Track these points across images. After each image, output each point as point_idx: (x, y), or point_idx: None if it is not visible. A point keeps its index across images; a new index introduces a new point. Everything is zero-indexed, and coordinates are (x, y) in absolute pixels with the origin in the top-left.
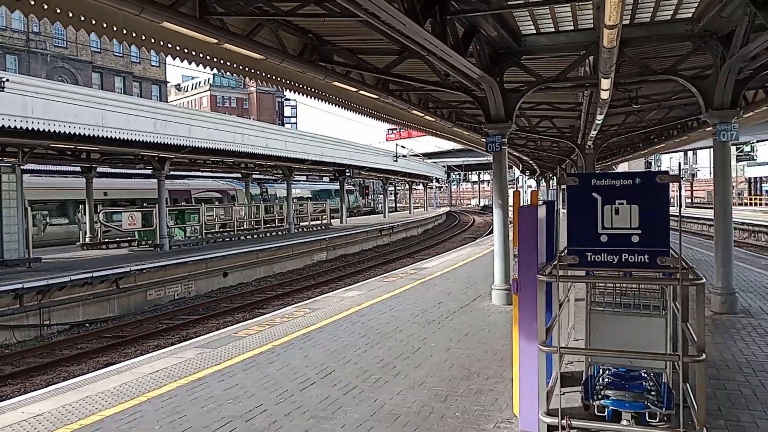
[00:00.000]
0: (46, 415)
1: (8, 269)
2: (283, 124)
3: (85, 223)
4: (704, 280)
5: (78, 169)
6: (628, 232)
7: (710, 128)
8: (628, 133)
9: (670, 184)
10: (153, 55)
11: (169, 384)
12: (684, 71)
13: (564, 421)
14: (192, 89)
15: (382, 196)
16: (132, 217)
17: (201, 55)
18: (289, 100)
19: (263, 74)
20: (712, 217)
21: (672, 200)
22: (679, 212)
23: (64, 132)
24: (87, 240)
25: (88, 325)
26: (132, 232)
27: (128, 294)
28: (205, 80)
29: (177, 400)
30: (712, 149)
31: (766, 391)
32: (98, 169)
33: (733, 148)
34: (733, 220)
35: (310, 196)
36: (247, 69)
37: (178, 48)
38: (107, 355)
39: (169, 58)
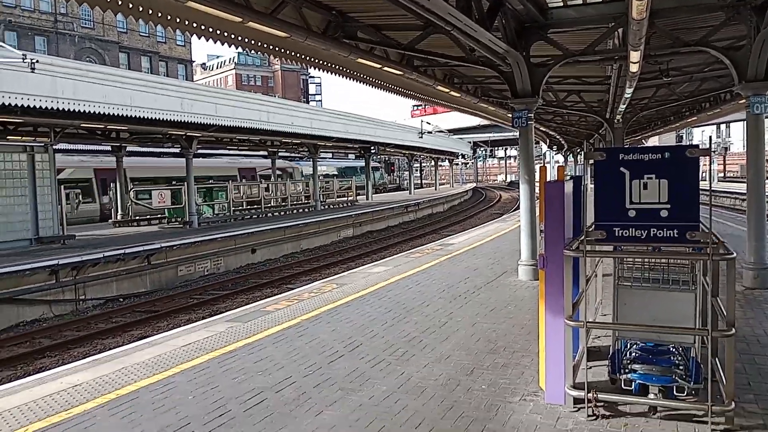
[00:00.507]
0: (84, 385)
1: (43, 246)
2: (308, 102)
3: (117, 201)
4: (735, 254)
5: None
6: (656, 207)
7: (743, 101)
8: (658, 107)
9: (701, 157)
10: (178, 35)
11: (201, 356)
12: (716, 42)
13: (590, 394)
14: (217, 68)
15: (407, 172)
16: (161, 195)
17: (225, 34)
18: (313, 77)
19: (287, 52)
20: (745, 191)
21: (704, 174)
22: (710, 186)
23: (94, 112)
24: (118, 218)
25: (121, 299)
26: (162, 209)
27: (159, 270)
28: (230, 59)
29: (209, 371)
30: (745, 122)
31: None
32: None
33: (767, 121)
34: (767, 193)
35: (336, 173)
36: (271, 47)
37: (203, 27)
38: (141, 329)
39: (194, 37)
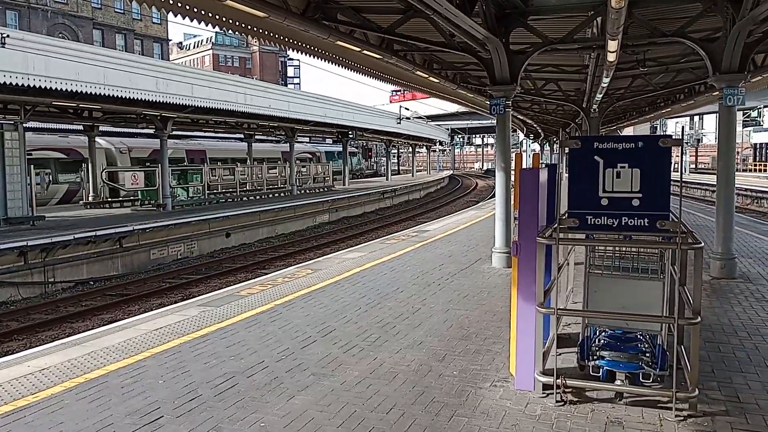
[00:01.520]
0: (52, 369)
1: (12, 227)
2: (286, 85)
3: (89, 182)
4: (703, 244)
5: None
6: (628, 196)
7: (717, 92)
8: (634, 97)
9: (673, 148)
10: (155, 13)
11: (172, 341)
12: (693, 34)
13: (559, 381)
14: (194, 48)
15: (384, 158)
16: (135, 176)
17: (202, 12)
18: (292, 60)
19: (266, 33)
20: (715, 183)
21: (676, 165)
22: (680, 177)
23: (66, 90)
24: (90, 199)
25: (92, 282)
26: (135, 191)
27: (131, 253)
28: (207, 39)
29: (180, 356)
30: (717, 114)
31: (759, 354)
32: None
33: (739, 114)
34: (737, 185)
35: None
36: (249, 27)
37: (179, 4)
38: (111, 313)
39: (170, 15)
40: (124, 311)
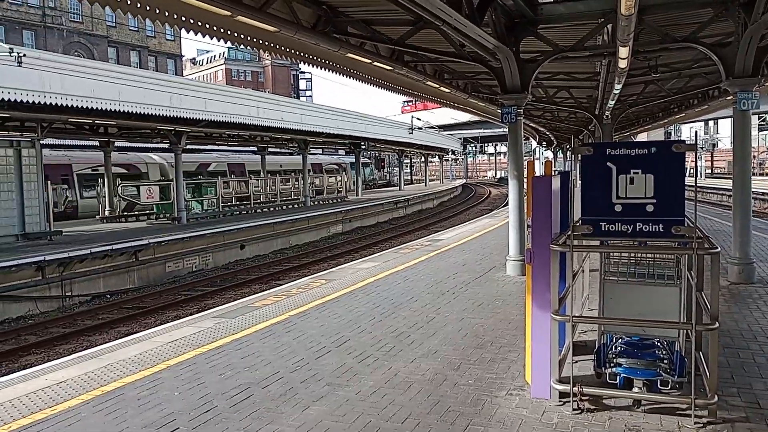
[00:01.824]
0: (69, 382)
1: (30, 242)
2: (298, 98)
3: (104, 196)
4: (719, 249)
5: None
6: (642, 202)
7: (731, 97)
8: (646, 103)
9: (687, 153)
10: (168, 30)
11: (187, 352)
12: (704, 38)
13: (575, 388)
14: (207, 63)
15: (397, 168)
16: (150, 190)
17: (215, 28)
18: (304, 73)
19: (277, 47)
20: (731, 188)
21: (691, 171)
22: (695, 181)
23: (81, 106)
24: (106, 213)
25: (108, 296)
26: (150, 205)
27: (147, 266)
28: (220, 54)
29: (195, 367)
30: (732, 118)
31: None
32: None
33: (754, 118)
34: (753, 190)
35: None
36: (260, 42)
37: (192, 21)
38: (128, 325)
39: (183, 32)
40: (141, 324)
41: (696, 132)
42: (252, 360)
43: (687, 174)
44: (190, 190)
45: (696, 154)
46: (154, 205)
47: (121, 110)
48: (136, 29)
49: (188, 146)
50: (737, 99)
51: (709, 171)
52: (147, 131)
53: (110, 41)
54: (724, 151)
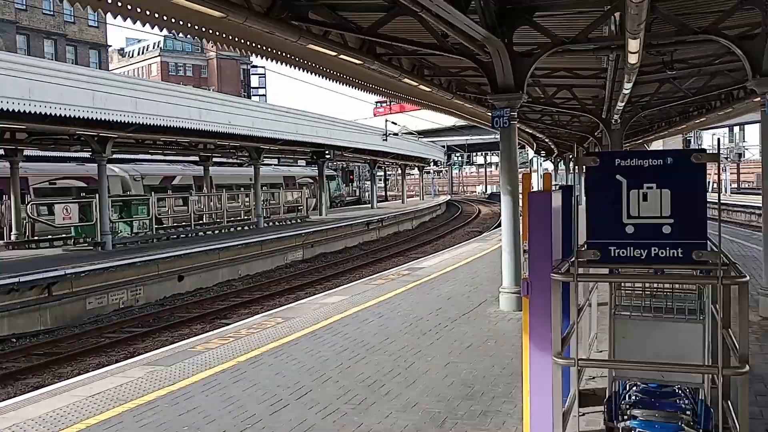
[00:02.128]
0: None
1: None
2: (249, 97)
3: (10, 218)
4: (748, 277)
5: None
6: (658, 222)
7: (758, 98)
8: (661, 105)
9: (708, 164)
10: (90, 14)
11: (112, 409)
12: (727, 30)
13: None
14: (138, 55)
15: (369, 182)
16: (67, 209)
17: (147, 13)
18: (256, 67)
19: (223, 35)
20: (761, 204)
21: (714, 185)
22: (719, 197)
23: None
24: (13, 238)
25: (14, 340)
26: (68, 227)
27: (63, 303)
28: (155, 44)
29: (121, 427)
30: (761, 123)
31: None
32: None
33: None
34: None
35: (283, 183)
36: (203, 29)
37: (119, 4)
38: (38, 376)
39: (108, 16)
40: (54, 374)
41: (719, 139)
42: (192, 417)
43: (709, 189)
44: (117, 209)
45: (719, 166)
46: (72, 228)
47: (33, 111)
48: (52, 13)
49: (154, 156)
50: (765, 101)
51: (734, 185)
52: (64, 137)
53: (19, 27)
54: (752, 161)
